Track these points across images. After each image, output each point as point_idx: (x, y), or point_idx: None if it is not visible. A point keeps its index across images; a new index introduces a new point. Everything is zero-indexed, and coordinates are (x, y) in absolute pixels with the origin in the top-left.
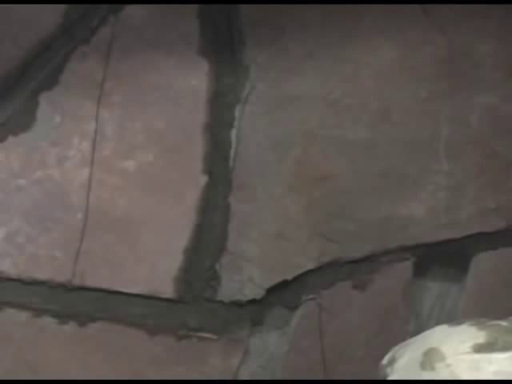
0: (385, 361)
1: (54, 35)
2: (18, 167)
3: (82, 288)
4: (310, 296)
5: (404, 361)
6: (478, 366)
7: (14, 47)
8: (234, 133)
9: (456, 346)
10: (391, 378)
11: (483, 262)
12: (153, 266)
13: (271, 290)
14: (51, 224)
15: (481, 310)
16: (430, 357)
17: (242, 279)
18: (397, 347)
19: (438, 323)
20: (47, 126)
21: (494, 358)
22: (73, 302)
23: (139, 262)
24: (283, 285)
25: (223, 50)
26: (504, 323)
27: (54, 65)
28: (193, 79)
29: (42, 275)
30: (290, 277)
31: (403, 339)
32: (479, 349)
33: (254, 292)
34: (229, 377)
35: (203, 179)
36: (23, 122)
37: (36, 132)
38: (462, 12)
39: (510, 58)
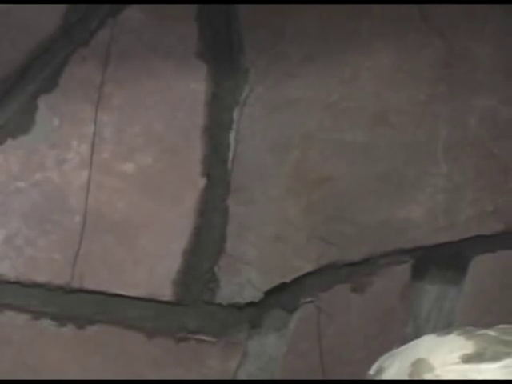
0: (372, 371)
1: (53, 38)
2: (17, 170)
3: (81, 290)
4: (309, 298)
5: (392, 371)
6: (467, 377)
7: (12, 50)
8: (232, 135)
9: (444, 356)
10: None
11: (481, 265)
12: (151, 269)
13: (270, 293)
14: (50, 226)
15: (479, 313)
16: (418, 368)
17: (241, 282)
18: (384, 357)
19: (436, 326)
20: (46, 129)
21: (483, 369)
22: (71, 304)
23: (138, 264)
24: (282, 287)
25: (222, 53)
26: (492, 332)
27: (53, 68)
28: (191, 82)
29: (40, 278)
30: (288, 279)
31: (401, 342)
32: (468, 359)
33: (252, 294)
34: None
35: (202, 181)
36: (22, 124)
37: (35, 135)
38: (460, 15)
39: (508, 61)
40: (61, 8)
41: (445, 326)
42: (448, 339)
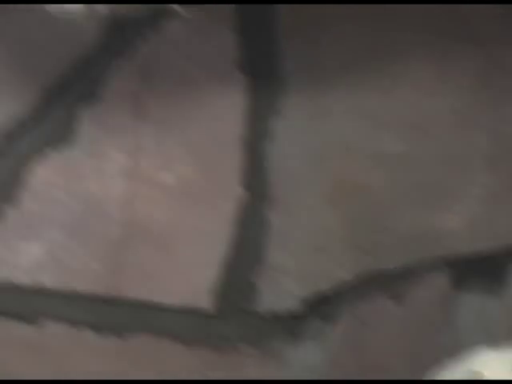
0: None
1: (94, 49)
2: (56, 180)
3: (120, 300)
4: (347, 308)
5: None
6: None
7: (53, 61)
8: (271, 146)
9: (499, 369)
10: None
11: None
12: (190, 279)
13: (309, 303)
14: (89, 236)
15: None
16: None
17: (280, 292)
18: (435, 370)
19: (475, 336)
20: (86, 140)
21: None
22: (111, 314)
23: (176, 274)
24: (321, 297)
25: (260, 63)
26: None
27: (93, 79)
28: (230, 92)
29: (80, 287)
30: (327, 289)
31: (440, 352)
32: None
33: (290, 304)
34: None
35: (241, 192)
36: (62, 134)
37: (74, 145)
38: (500, 24)
39: None
40: (101, 19)
41: (485, 337)
42: (501, 352)
